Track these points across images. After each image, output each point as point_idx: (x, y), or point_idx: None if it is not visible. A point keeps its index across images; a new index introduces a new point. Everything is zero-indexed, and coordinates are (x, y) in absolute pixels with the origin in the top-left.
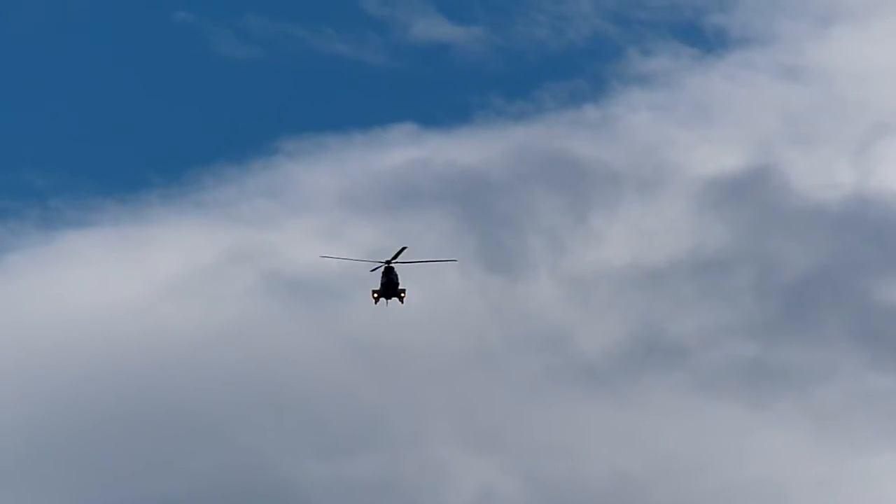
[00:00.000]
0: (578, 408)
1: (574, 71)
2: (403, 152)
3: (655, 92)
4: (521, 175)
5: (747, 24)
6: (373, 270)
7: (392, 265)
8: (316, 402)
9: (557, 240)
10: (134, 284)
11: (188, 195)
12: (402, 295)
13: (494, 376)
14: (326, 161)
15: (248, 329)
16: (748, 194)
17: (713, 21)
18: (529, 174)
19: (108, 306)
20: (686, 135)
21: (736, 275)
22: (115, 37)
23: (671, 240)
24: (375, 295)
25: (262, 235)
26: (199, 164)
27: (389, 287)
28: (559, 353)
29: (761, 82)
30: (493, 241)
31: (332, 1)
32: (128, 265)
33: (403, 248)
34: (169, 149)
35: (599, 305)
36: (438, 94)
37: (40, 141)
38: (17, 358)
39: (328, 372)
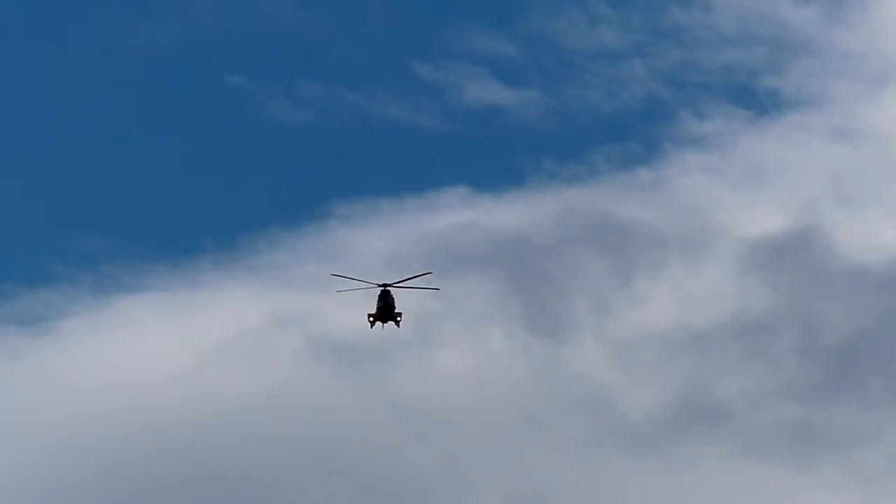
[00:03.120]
0: (623, 471)
1: (627, 134)
2: (456, 215)
3: (709, 154)
4: (566, 238)
5: (801, 86)
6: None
7: (388, 289)
8: (362, 466)
9: (602, 302)
10: (185, 349)
11: (241, 260)
12: (398, 319)
13: (539, 439)
14: (379, 225)
15: (294, 393)
16: (792, 256)
17: (766, 84)
18: (574, 237)
19: (160, 371)
20: (739, 197)
21: (780, 337)
22: (168, 101)
23: (716, 302)
24: (371, 318)
25: (311, 300)
26: (251, 228)
27: (385, 311)
28: (604, 416)
29: (814, 144)
30: (537, 304)
31: (385, 65)
32: (180, 330)
33: (426, 273)
34: (222, 213)
35: (644, 368)
36: (491, 158)
37: (94, 206)
38: (69, 423)
39: (374, 436)
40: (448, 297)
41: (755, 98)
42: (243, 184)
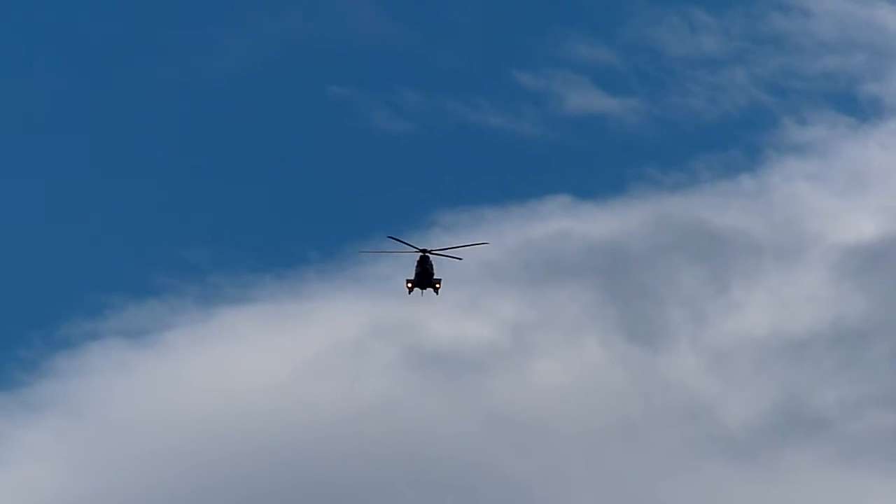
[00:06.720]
0: (720, 479)
1: (729, 141)
2: (558, 224)
3: (811, 161)
4: (662, 245)
5: None
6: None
7: (427, 255)
8: (458, 476)
9: (699, 310)
10: (289, 360)
11: (346, 270)
12: (438, 286)
13: (636, 448)
14: (483, 233)
15: (391, 404)
16: (889, 263)
17: (868, 90)
18: (670, 245)
19: (265, 382)
20: (840, 204)
21: (877, 344)
22: (271, 111)
23: (812, 310)
24: (409, 285)
25: (412, 309)
26: (356, 238)
27: (424, 277)
28: (701, 424)
29: None
30: (634, 312)
31: (486, 74)
32: (285, 341)
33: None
34: (326, 223)
35: (741, 376)
36: (593, 166)
37: (199, 217)
38: (175, 434)
39: (472, 446)
40: (545, 306)
41: (857, 104)
42: (347, 194)
